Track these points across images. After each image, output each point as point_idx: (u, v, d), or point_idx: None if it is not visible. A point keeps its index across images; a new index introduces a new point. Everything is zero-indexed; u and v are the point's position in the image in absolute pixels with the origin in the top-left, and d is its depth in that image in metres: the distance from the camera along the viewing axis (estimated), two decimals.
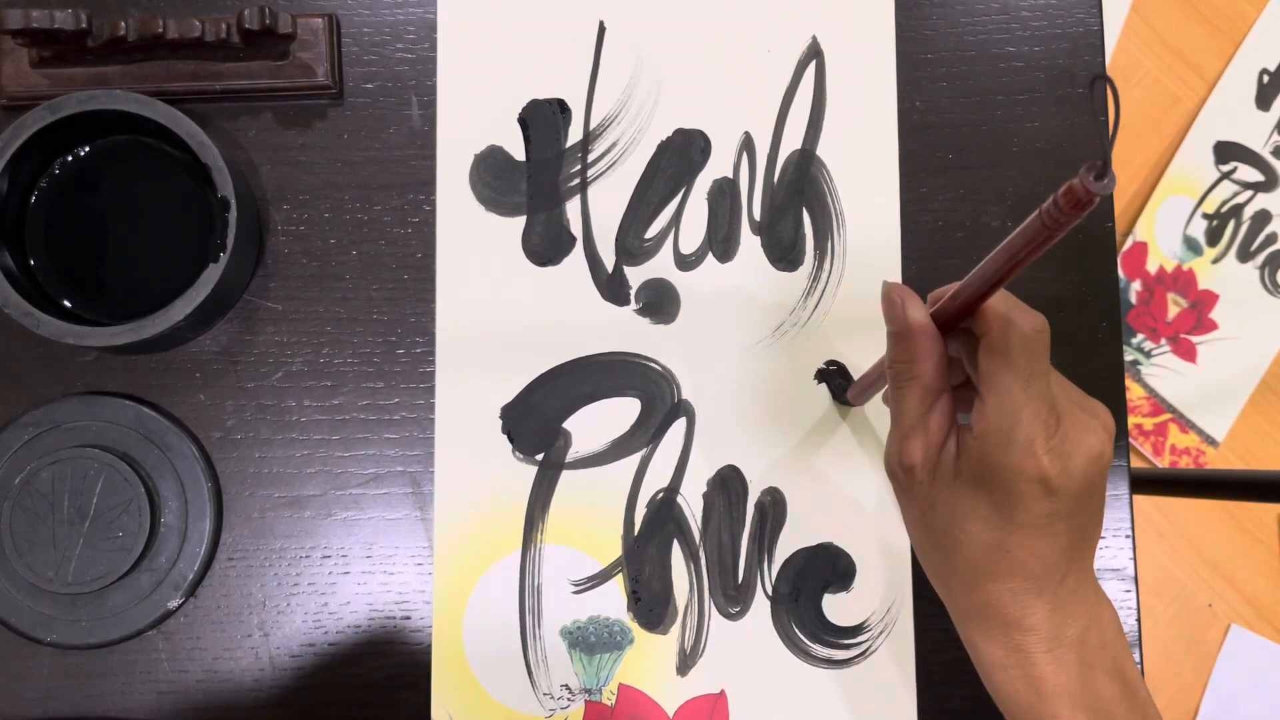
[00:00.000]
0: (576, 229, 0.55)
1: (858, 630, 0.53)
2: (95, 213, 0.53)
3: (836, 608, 0.53)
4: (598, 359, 0.54)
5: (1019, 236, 0.34)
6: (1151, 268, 1.28)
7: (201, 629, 0.52)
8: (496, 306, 0.54)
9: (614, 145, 0.55)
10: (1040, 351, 0.38)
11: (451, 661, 0.52)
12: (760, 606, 0.53)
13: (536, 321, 0.54)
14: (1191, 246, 1.29)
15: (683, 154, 0.55)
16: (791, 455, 0.54)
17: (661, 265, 0.55)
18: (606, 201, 0.55)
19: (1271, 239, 1.28)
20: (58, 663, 0.52)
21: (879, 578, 0.53)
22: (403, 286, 0.54)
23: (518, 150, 0.55)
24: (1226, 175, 1.29)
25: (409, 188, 0.55)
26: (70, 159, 0.52)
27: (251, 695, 0.52)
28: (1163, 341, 1.28)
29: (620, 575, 0.53)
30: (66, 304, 0.52)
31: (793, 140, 0.55)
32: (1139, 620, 0.54)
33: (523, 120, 0.55)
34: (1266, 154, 1.29)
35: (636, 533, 0.53)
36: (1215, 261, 1.28)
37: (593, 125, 0.55)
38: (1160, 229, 1.29)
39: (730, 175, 0.55)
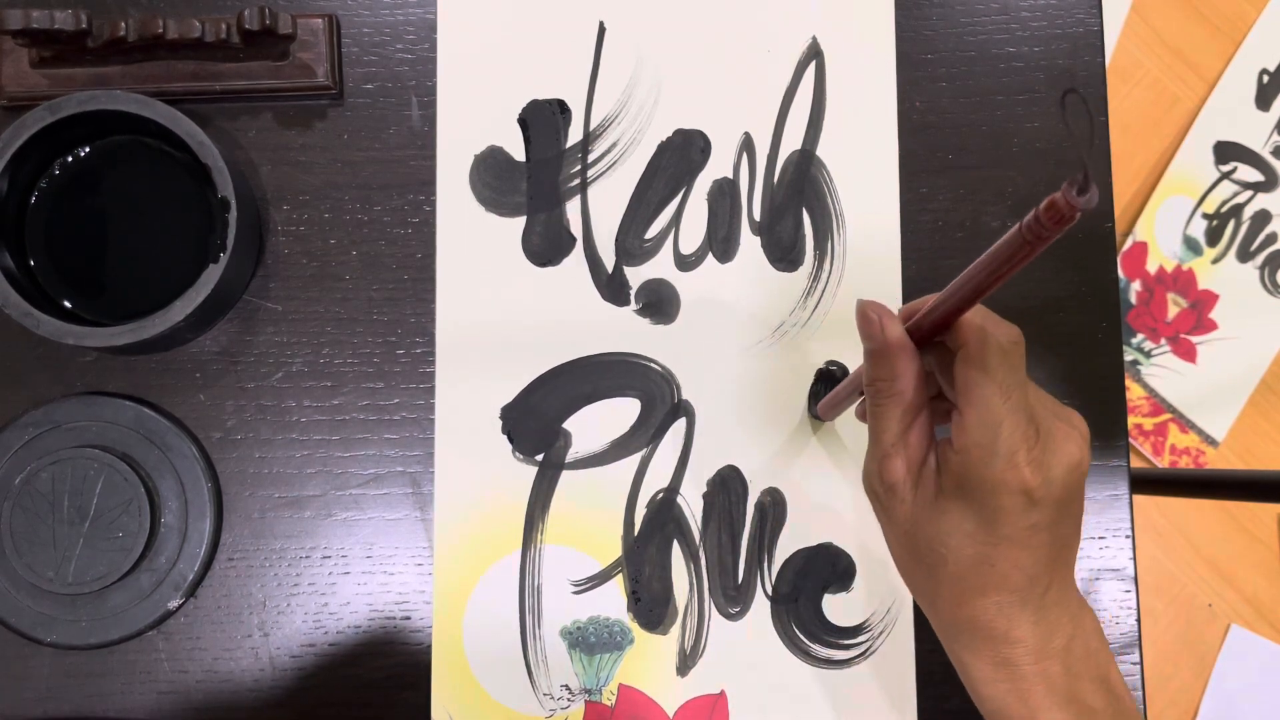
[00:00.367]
0: (576, 229, 0.55)
1: (858, 630, 0.53)
2: (95, 213, 0.53)
3: (836, 608, 0.53)
4: (598, 359, 0.54)
5: (1000, 250, 0.33)
6: (1151, 268, 1.28)
7: (201, 629, 0.52)
8: (496, 307, 0.54)
9: (614, 145, 0.55)
10: (1017, 362, 0.38)
11: (451, 662, 0.52)
12: (760, 607, 0.53)
13: (536, 322, 0.54)
14: (1191, 246, 1.29)
15: (683, 154, 0.55)
16: (791, 455, 0.54)
17: (661, 265, 0.55)
18: (606, 202, 0.55)
19: (1271, 239, 1.28)
20: (58, 663, 0.52)
21: (879, 578, 0.53)
22: (403, 287, 0.54)
23: (518, 150, 0.55)
24: (1226, 175, 1.29)
25: (409, 188, 0.55)
26: (70, 159, 0.52)
27: (251, 695, 0.52)
28: (1163, 341, 1.28)
29: (620, 575, 0.53)
30: (66, 304, 0.52)
31: (793, 140, 0.55)
32: (1139, 620, 0.54)
33: (523, 120, 0.55)
34: (1266, 154, 1.29)
35: (636, 533, 0.53)
36: (1215, 261, 1.28)
37: (593, 125, 0.55)
38: (1160, 229, 1.29)
39: (730, 175, 0.55)
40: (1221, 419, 1.28)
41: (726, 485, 0.54)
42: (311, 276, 0.54)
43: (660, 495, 0.54)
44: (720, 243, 0.55)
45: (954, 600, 0.40)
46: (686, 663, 0.53)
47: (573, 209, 0.55)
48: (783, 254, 0.55)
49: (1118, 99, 1.30)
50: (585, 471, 0.54)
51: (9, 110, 0.53)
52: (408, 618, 0.53)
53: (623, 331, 0.54)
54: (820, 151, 0.55)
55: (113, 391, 0.53)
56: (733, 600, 0.53)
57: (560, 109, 0.55)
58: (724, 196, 0.55)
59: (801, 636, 0.53)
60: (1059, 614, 0.39)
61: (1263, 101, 1.30)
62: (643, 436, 0.54)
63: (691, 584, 0.53)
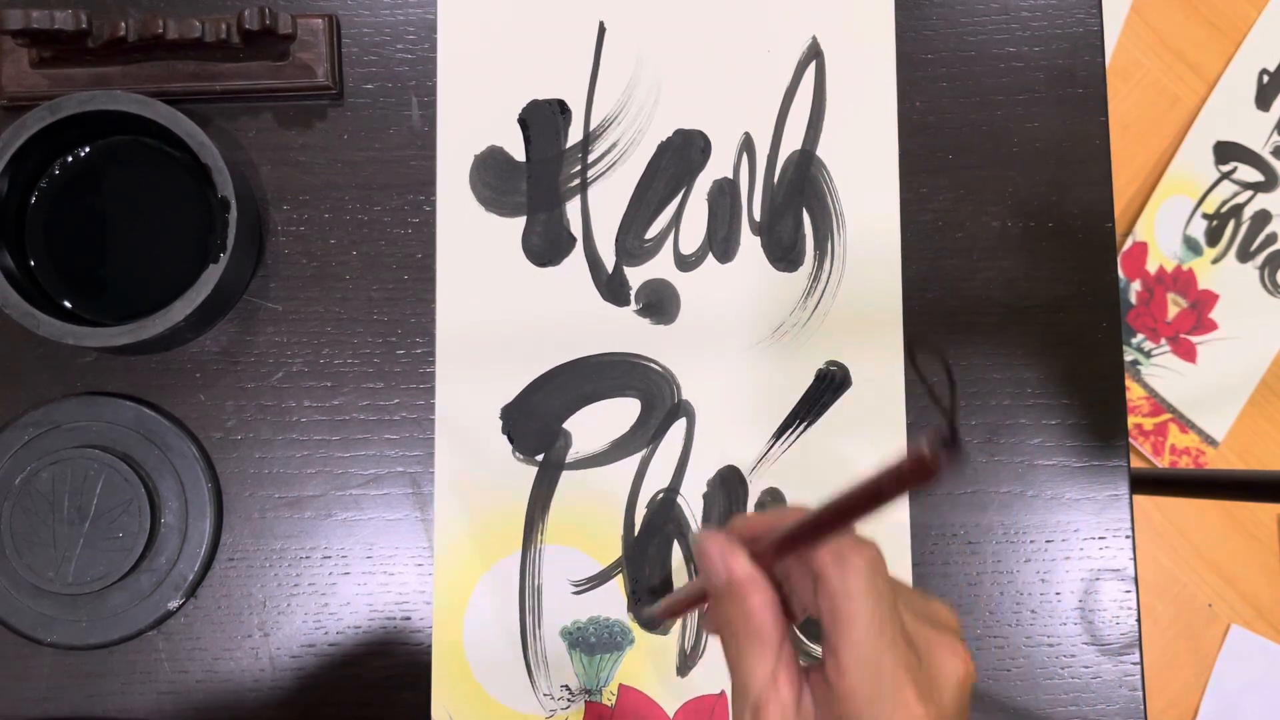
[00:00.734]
0: (576, 229, 0.55)
1: None
2: (95, 213, 0.53)
3: None
4: (598, 359, 0.54)
5: (856, 493, 0.31)
6: (1151, 268, 1.28)
7: (202, 629, 0.52)
8: (496, 307, 0.54)
9: (614, 146, 0.55)
10: (882, 583, 0.34)
11: (452, 662, 0.52)
12: None
13: (537, 322, 0.54)
14: (1191, 246, 1.29)
15: (683, 154, 0.55)
16: (791, 456, 0.54)
17: (661, 266, 0.55)
18: (606, 202, 0.55)
19: (1271, 239, 1.28)
20: (58, 663, 0.52)
21: None
22: (403, 287, 0.54)
23: (518, 151, 0.55)
24: (1226, 175, 1.29)
25: (409, 188, 0.55)
26: (70, 159, 0.52)
27: (252, 696, 0.52)
28: (1163, 341, 1.28)
29: (620, 575, 0.53)
30: (66, 304, 0.52)
31: (793, 140, 0.55)
32: (1139, 620, 0.54)
33: (523, 121, 0.55)
34: (1266, 154, 1.29)
35: (637, 533, 0.53)
36: (1215, 261, 1.28)
37: (593, 126, 0.55)
38: (1160, 229, 1.29)
39: (730, 176, 0.55)
40: (1221, 419, 1.28)
41: (726, 485, 0.54)
42: (311, 276, 0.54)
43: (660, 495, 0.54)
44: (720, 243, 0.55)
45: None
46: (687, 663, 0.53)
47: (573, 209, 0.55)
48: (783, 254, 0.55)
49: (1118, 99, 1.30)
50: (585, 471, 0.54)
51: (9, 110, 0.53)
52: (408, 618, 0.53)
53: (623, 331, 0.54)
54: (820, 151, 0.55)
55: (113, 392, 0.53)
56: None
57: (560, 109, 0.55)
58: (724, 196, 0.55)
59: (801, 637, 0.53)
60: None
61: (1263, 101, 1.30)
62: (643, 436, 0.54)
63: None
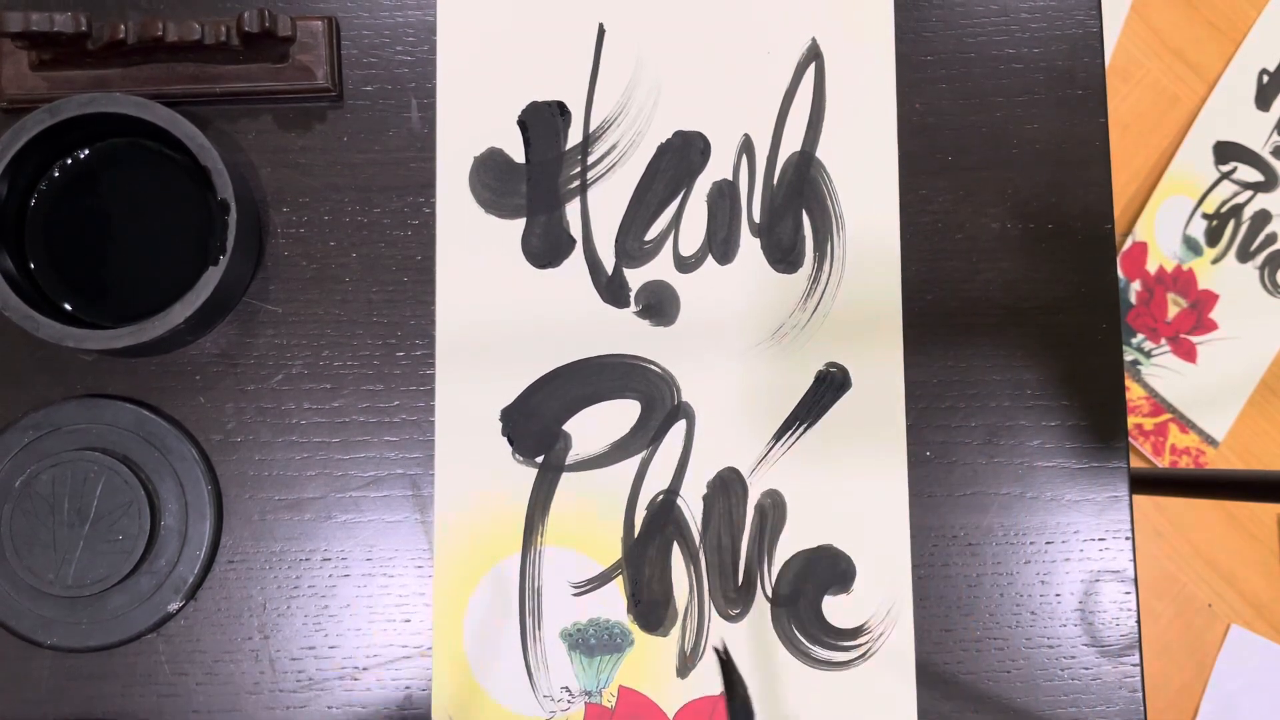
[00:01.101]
0: (576, 231, 0.55)
1: (858, 632, 0.53)
2: (95, 215, 0.53)
3: (836, 610, 0.53)
4: (598, 361, 0.54)
5: None
6: (1151, 268, 1.28)
7: (202, 632, 0.52)
8: (496, 309, 0.54)
9: (614, 147, 0.55)
10: None
11: (452, 664, 0.52)
12: (760, 608, 0.53)
13: (536, 324, 0.54)
14: (1191, 246, 1.29)
15: (682, 156, 0.55)
16: (791, 457, 0.54)
17: (661, 267, 0.55)
18: (606, 204, 0.55)
19: (1271, 239, 1.28)
20: (58, 665, 0.52)
21: (879, 580, 0.53)
22: (403, 289, 0.54)
23: (517, 152, 0.55)
24: (1226, 175, 1.29)
25: (409, 190, 0.55)
26: (70, 162, 0.52)
27: (252, 698, 0.52)
28: (1163, 341, 1.28)
29: (620, 577, 0.53)
30: (66, 307, 0.52)
31: (792, 142, 0.55)
32: (1139, 620, 0.54)
33: (522, 122, 0.55)
34: (1266, 154, 1.29)
35: (636, 535, 0.53)
36: (1215, 261, 1.28)
37: (592, 127, 0.55)
38: (1160, 229, 1.29)
39: (730, 177, 0.55)
40: (1221, 419, 1.28)
41: (726, 487, 0.54)
42: (311, 279, 0.54)
43: (660, 497, 0.54)
44: (720, 244, 0.55)
45: None
46: (686, 664, 0.53)
47: (572, 211, 0.55)
48: (782, 255, 0.55)
49: (1118, 99, 1.30)
50: (585, 473, 0.54)
51: (8, 113, 0.53)
52: (408, 620, 0.53)
53: (623, 333, 0.54)
54: (820, 153, 0.55)
55: (113, 394, 0.53)
56: (733, 602, 0.53)
57: (560, 111, 0.55)
58: (723, 198, 0.55)
59: (801, 638, 0.53)
60: None
61: (1263, 101, 1.30)
62: (643, 438, 0.54)
63: (691, 586, 0.53)
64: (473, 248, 0.54)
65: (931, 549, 0.53)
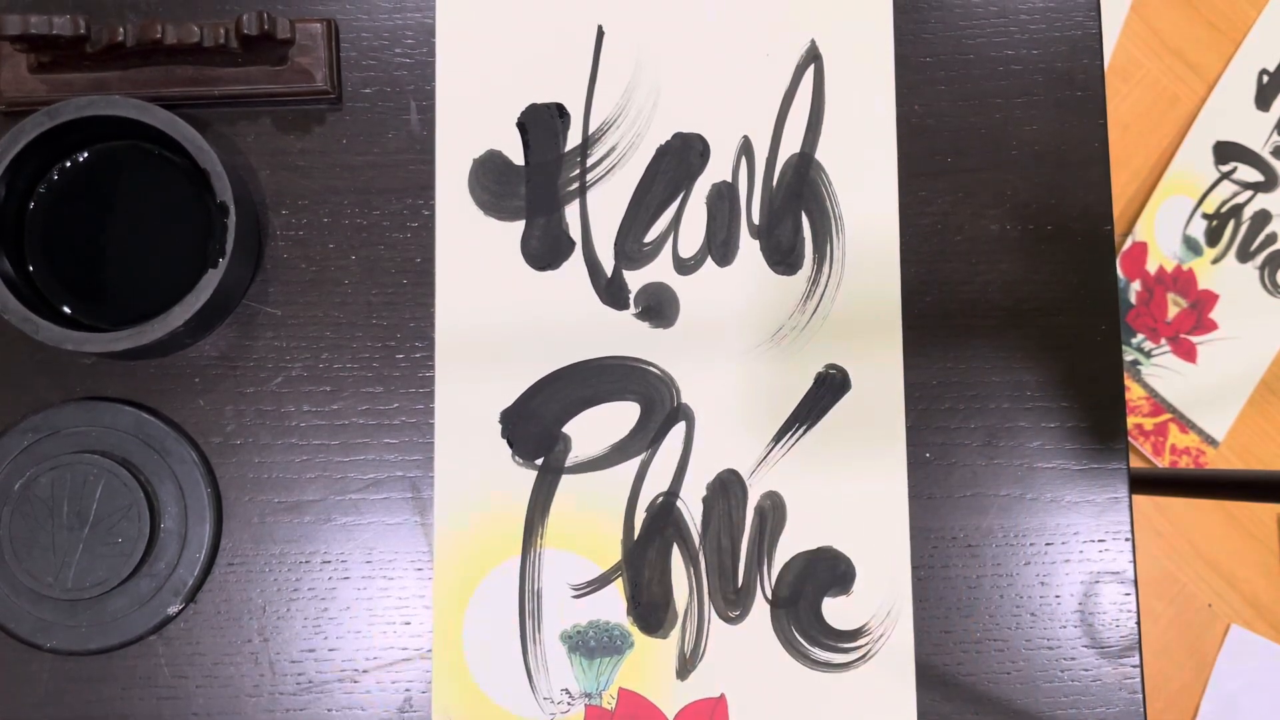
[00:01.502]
0: (575, 233, 0.55)
1: (857, 634, 0.53)
2: (94, 218, 0.53)
3: (836, 611, 0.53)
4: (597, 363, 0.54)
5: None
6: (1151, 268, 1.28)
7: (201, 634, 0.52)
8: (496, 311, 0.54)
9: (613, 149, 0.55)
10: None
11: (452, 666, 0.52)
12: (760, 610, 0.53)
13: (536, 325, 0.54)
14: (1191, 246, 1.29)
15: (681, 158, 0.55)
16: (791, 459, 0.54)
17: (660, 269, 0.55)
18: (605, 206, 0.55)
19: (1271, 239, 1.28)
20: (57, 669, 0.52)
21: (878, 581, 0.53)
22: (402, 291, 0.54)
23: (516, 155, 0.55)
24: (1226, 175, 1.29)
25: (408, 192, 0.55)
26: (69, 165, 0.52)
27: (251, 701, 0.52)
28: (1163, 341, 1.28)
29: (620, 579, 0.53)
30: (65, 309, 0.52)
31: (791, 144, 0.55)
32: (1138, 622, 0.54)
33: (521, 124, 0.55)
34: (1266, 154, 1.29)
35: (636, 537, 0.53)
36: (1215, 261, 1.28)
37: (591, 129, 0.55)
38: (1160, 229, 1.29)
39: (729, 179, 0.55)
40: (1221, 419, 1.28)
41: (726, 489, 0.54)
42: (310, 281, 0.54)
43: (660, 499, 0.54)
44: (719, 246, 0.55)
45: None
46: (686, 666, 0.53)
47: (572, 213, 0.55)
48: (782, 257, 0.55)
49: (1117, 99, 1.30)
50: (585, 475, 0.54)
51: (7, 115, 0.53)
52: (407, 622, 0.53)
53: (622, 335, 0.54)
54: (819, 155, 0.55)
55: (112, 397, 0.53)
56: (732, 604, 0.53)
57: (559, 113, 0.55)
58: (723, 200, 0.55)
59: (801, 640, 0.53)
60: None
61: (1262, 101, 1.30)
62: (642, 440, 0.54)
63: (691, 587, 0.53)
64: (472, 250, 0.54)
65: (931, 550, 0.53)
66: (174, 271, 0.52)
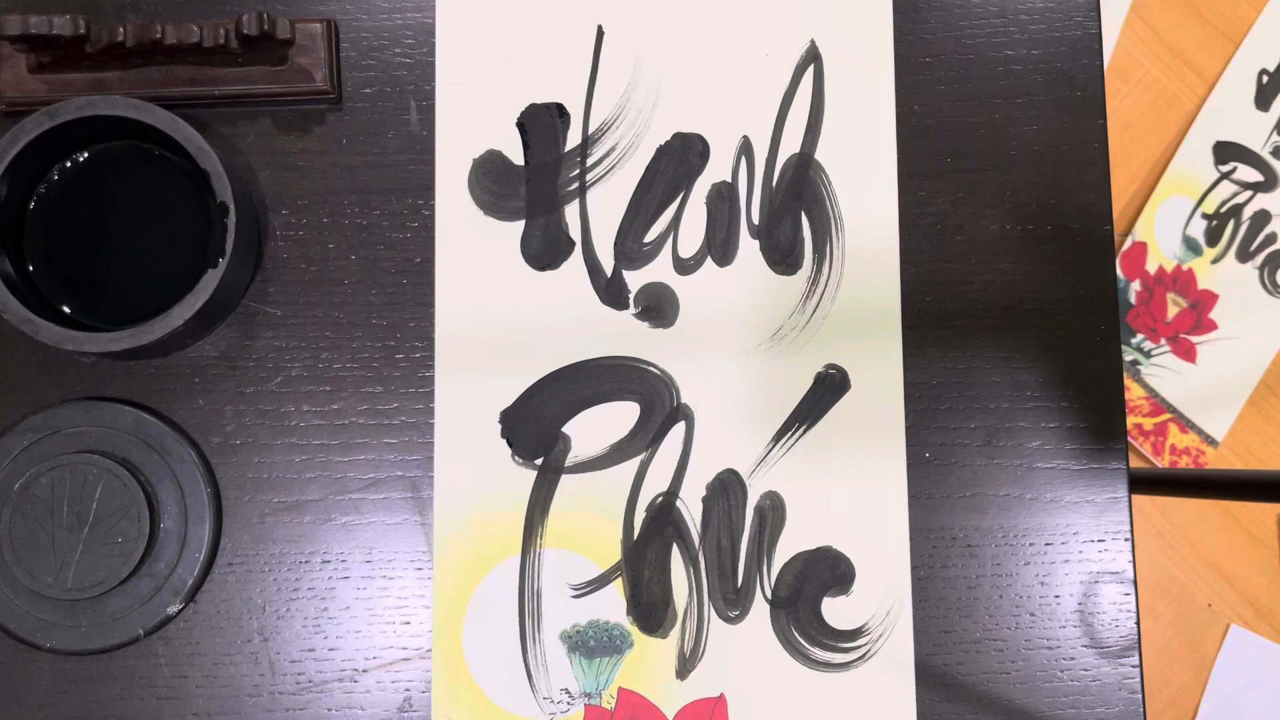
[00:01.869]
0: (575, 233, 0.55)
1: (857, 634, 0.53)
2: (94, 218, 0.53)
3: (836, 611, 0.53)
4: (597, 363, 0.54)
5: None
6: (1151, 268, 1.28)
7: (201, 634, 0.52)
8: (495, 311, 0.54)
9: (613, 149, 0.55)
10: None
11: (451, 666, 0.52)
12: (760, 610, 0.53)
13: (536, 326, 0.54)
14: (1191, 246, 1.29)
15: (681, 158, 0.55)
16: (791, 459, 0.54)
17: (660, 269, 0.55)
18: (605, 206, 0.55)
19: (1271, 239, 1.28)
20: (57, 669, 0.52)
21: (878, 581, 0.53)
22: (402, 291, 0.54)
23: (516, 155, 0.55)
24: (1226, 175, 1.29)
25: (408, 192, 0.55)
26: (69, 165, 0.52)
27: (251, 701, 0.52)
28: (1162, 341, 1.28)
29: (620, 579, 0.53)
30: (65, 309, 0.52)
31: (791, 144, 0.55)
32: (1138, 622, 0.54)
33: (521, 125, 0.55)
34: (1266, 154, 1.29)
35: (636, 536, 0.53)
36: (1215, 261, 1.28)
37: (591, 129, 0.55)
38: (1160, 229, 1.29)
39: (729, 179, 0.55)
40: (1221, 419, 1.28)
41: (726, 489, 0.54)
42: (310, 281, 0.54)
43: (660, 499, 0.54)
44: (719, 246, 0.55)
45: None
46: (686, 666, 0.53)
47: (571, 213, 0.55)
48: (781, 257, 0.55)
49: (1117, 99, 1.30)
50: (585, 475, 0.54)
51: (7, 115, 0.53)
52: (407, 622, 0.53)
53: (622, 335, 0.54)
54: (819, 155, 0.55)
55: (112, 397, 0.53)
56: (732, 604, 0.53)
57: (559, 113, 0.55)
58: (723, 200, 0.55)
59: (801, 640, 0.53)
60: None
61: (1262, 101, 1.30)
62: (642, 440, 0.54)
63: (691, 587, 0.53)
64: (472, 250, 0.54)
65: (931, 550, 0.53)
66: (174, 271, 0.52)
